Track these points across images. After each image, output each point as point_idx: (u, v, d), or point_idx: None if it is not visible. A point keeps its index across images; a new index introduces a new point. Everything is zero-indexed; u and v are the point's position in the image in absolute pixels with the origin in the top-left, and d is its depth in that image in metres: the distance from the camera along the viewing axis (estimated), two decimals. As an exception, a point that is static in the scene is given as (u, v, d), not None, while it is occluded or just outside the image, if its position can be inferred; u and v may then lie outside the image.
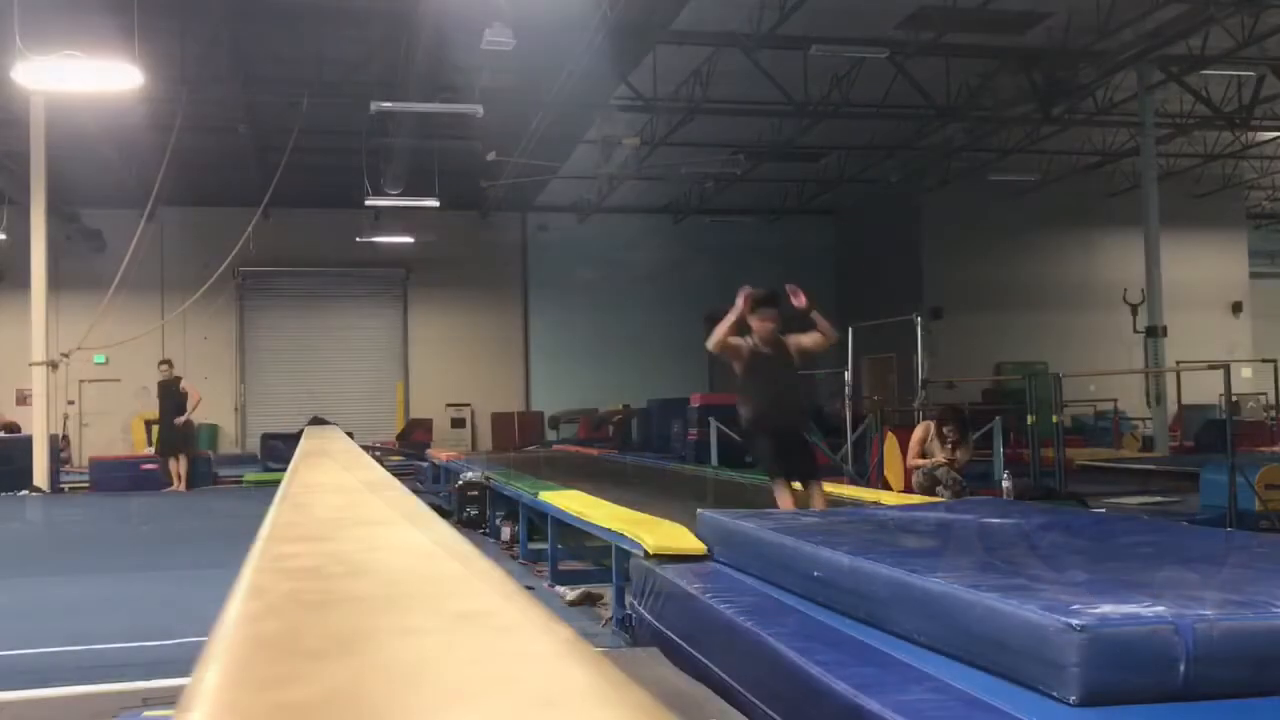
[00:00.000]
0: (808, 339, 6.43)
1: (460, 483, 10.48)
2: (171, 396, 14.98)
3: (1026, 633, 2.93)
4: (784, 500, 6.32)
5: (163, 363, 15.50)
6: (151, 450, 16.27)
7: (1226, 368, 8.53)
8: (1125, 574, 3.61)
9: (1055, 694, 2.81)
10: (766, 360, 6.31)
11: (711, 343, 6.33)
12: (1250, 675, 2.84)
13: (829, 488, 8.15)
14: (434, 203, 18.33)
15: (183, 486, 14.75)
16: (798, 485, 6.45)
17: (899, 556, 4.01)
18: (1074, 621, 2.82)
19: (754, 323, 6.25)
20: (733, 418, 15.59)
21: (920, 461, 8.94)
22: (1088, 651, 2.77)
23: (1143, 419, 18.69)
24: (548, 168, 18.03)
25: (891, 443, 11.16)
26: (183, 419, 15.07)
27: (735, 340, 6.30)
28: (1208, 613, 2.91)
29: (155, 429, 15.87)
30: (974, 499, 7.06)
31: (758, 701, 3.63)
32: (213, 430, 22.01)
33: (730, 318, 6.25)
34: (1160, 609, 2.94)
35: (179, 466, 14.87)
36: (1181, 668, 2.79)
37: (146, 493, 14.59)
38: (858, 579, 3.88)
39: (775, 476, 6.43)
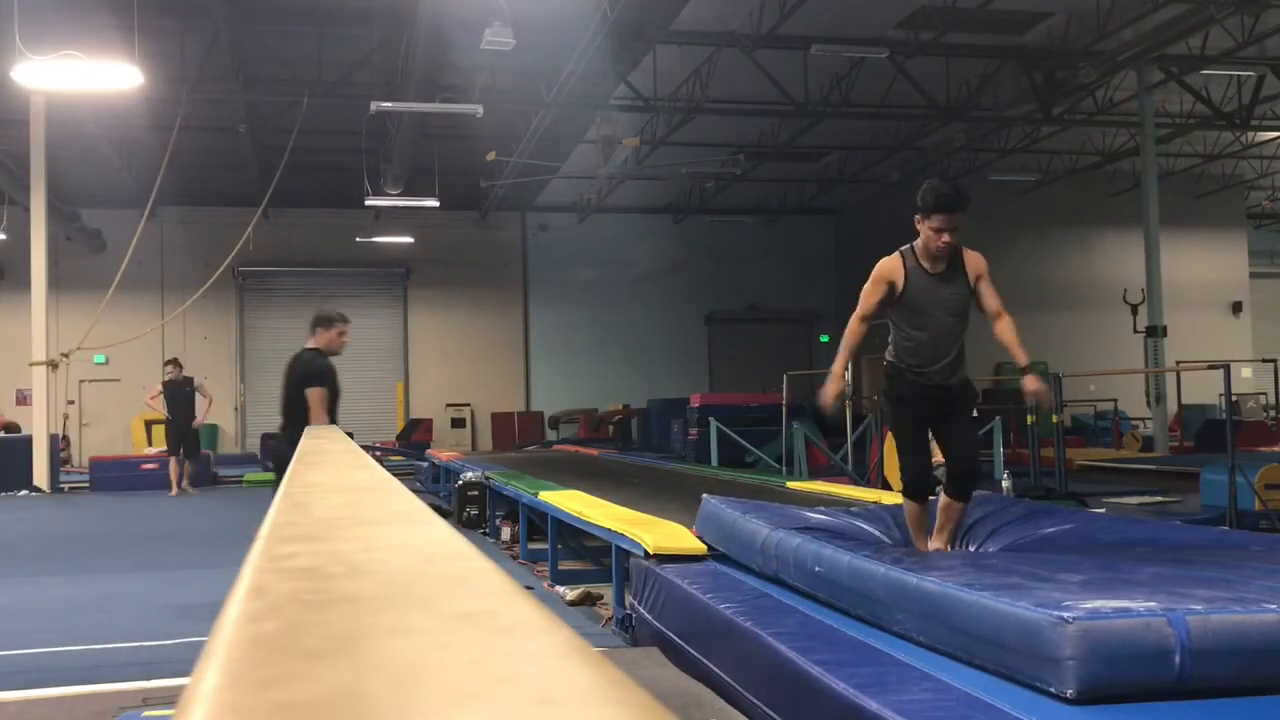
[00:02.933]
0: (995, 299, 4.67)
1: (460, 483, 10.48)
2: (184, 398, 14.43)
3: (1021, 628, 2.94)
4: (918, 532, 4.73)
5: (169, 362, 14.84)
6: (164, 451, 16.14)
7: (1226, 368, 8.53)
8: (1120, 571, 3.61)
9: (1052, 689, 2.82)
10: (934, 285, 4.56)
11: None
12: (1244, 670, 2.85)
13: (831, 488, 8.15)
14: (434, 203, 18.35)
15: (189, 488, 14.45)
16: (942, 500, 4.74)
17: (895, 556, 4.02)
18: (1067, 615, 2.83)
19: (925, 228, 4.46)
20: (733, 417, 15.73)
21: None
22: (1081, 645, 2.78)
23: (1143, 419, 18.70)
24: (548, 168, 18.04)
25: (891, 443, 11.15)
26: (199, 421, 14.92)
27: (881, 281, 4.56)
28: (1201, 608, 2.91)
29: (162, 430, 15.59)
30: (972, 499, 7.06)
31: (758, 701, 3.63)
32: (213, 430, 22.01)
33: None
34: (1153, 604, 2.95)
35: (181, 469, 14.49)
36: (1176, 661, 2.80)
37: (146, 493, 14.60)
38: (855, 578, 3.88)
39: (914, 489, 4.68)
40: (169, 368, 14.68)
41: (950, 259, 4.57)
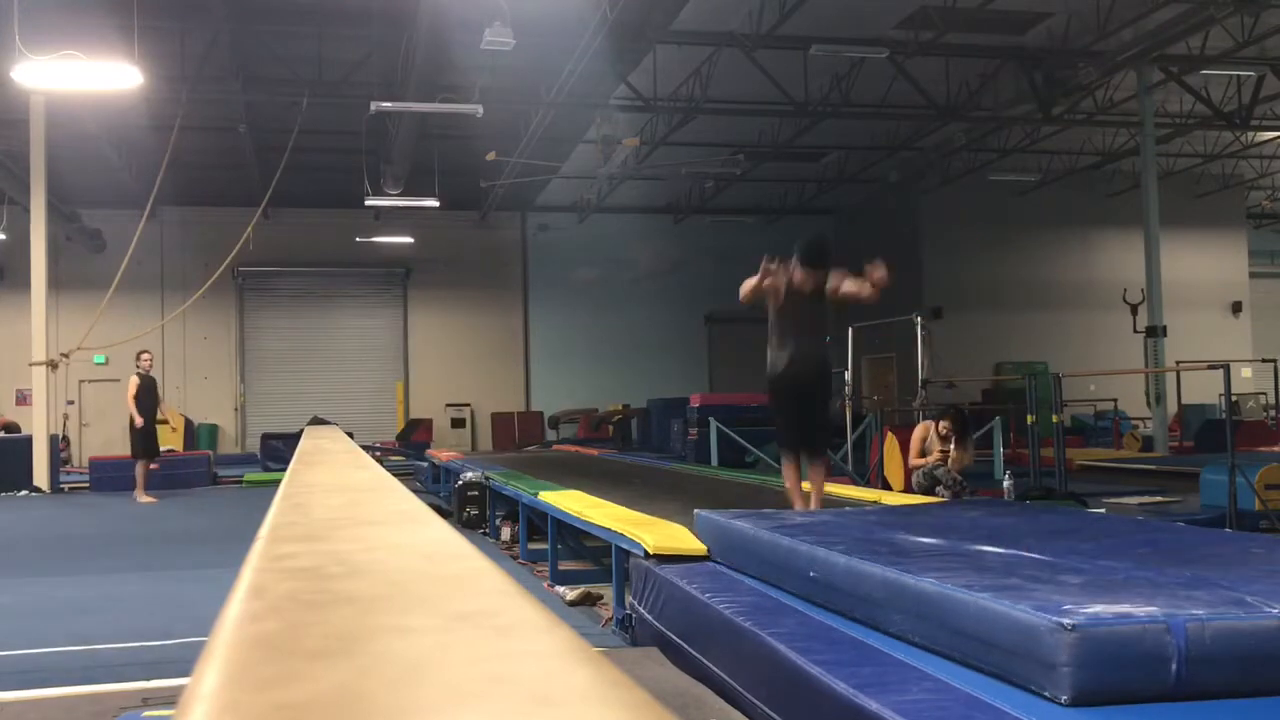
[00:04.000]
0: (852, 284, 5.89)
1: (460, 483, 10.48)
2: (153, 394, 13.27)
3: (1019, 632, 2.94)
4: (791, 482, 6.08)
5: (144, 353, 13.46)
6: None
7: (1226, 368, 8.52)
8: (1119, 574, 3.61)
9: (1047, 693, 2.82)
10: (802, 301, 5.95)
11: (742, 295, 6.05)
12: (1242, 675, 2.84)
13: (830, 488, 8.14)
14: (434, 203, 18.35)
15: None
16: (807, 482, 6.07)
17: (894, 557, 4.02)
18: (1065, 621, 2.83)
19: (796, 275, 5.91)
20: (733, 417, 15.72)
21: (920, 461, 8.94)
22: (1079, 651, 2.77)
23: (1143, 419, 18.70)
24: (548, 168, 18.04)
25: (891, 443, 11.16)
26: (166, 417, 14.11)
27: (771, 281, 5.92)
28: (1200, 612, 2.91)
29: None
30: (973, 499, 7.06)
31: (758, 701, 3.63)
32: (213, 430, 22.03)
33: (753, 280, 5.93)
34: (1152, 609, 2.94)
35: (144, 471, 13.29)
36: (1173, 667, 2.79)
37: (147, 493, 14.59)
38: (854, 579, 3.88)
39: (786, 451, 6.14)
40: (145, 358, 13.35)
41: (813, 287, 5.95)
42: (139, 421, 12.96)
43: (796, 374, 6.00)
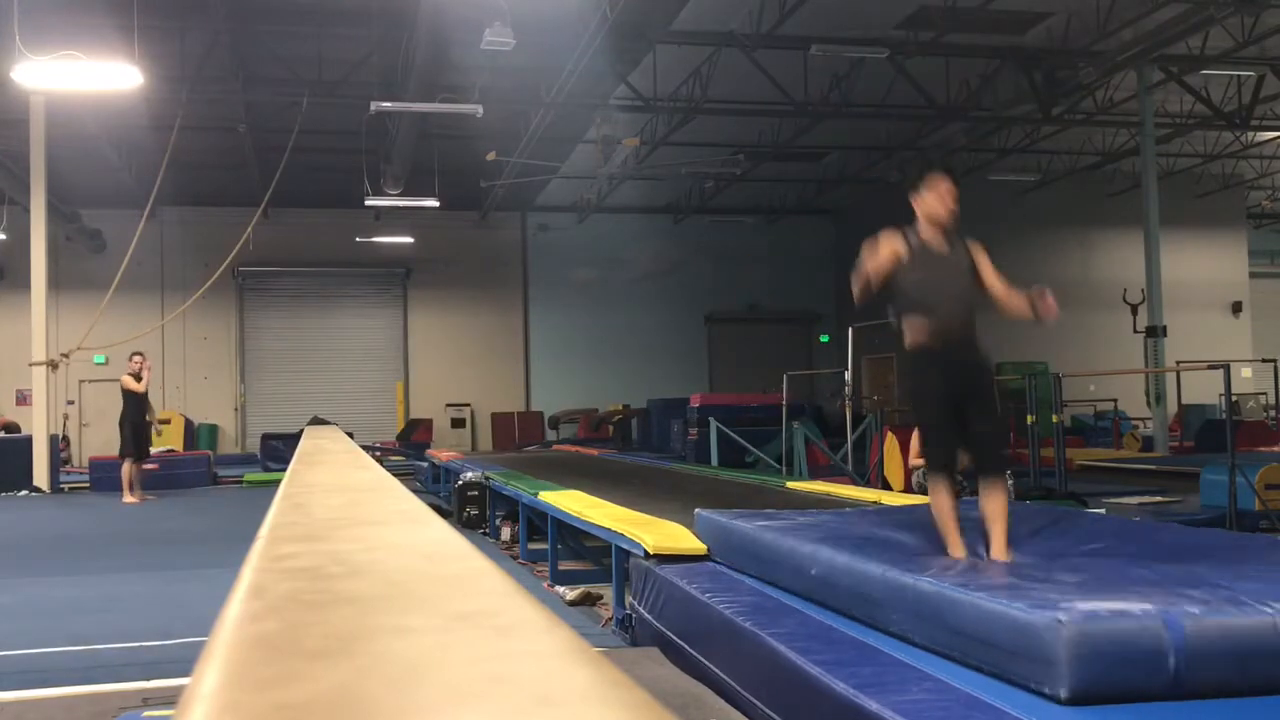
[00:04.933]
0: (1001, 284, 4.56)
1: (460, 483, 10.48)
2: (143, 394, 13.12)
3: (1015, 630, 2.95)
4: (945, 513, 4.35)
5: (136, 354, 13.27)
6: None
7: (1226, 368, 8.52)
8: (1116, 573, 3.61)
9: (1046, 690, 2.82)
10: (939, 260, 4.44)
11: (857, 291, 4.47)
12: (1239, 672, 2.85)
13: (831, 488, 8.14)
14: (434, 203, 18.35)
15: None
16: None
17: (893, 557, 4.02)
18: (1061, 617, 2.83)
19: (926, 201, 4.44)
20: (733, 418, 15.71)
21: (920, 462, 8.94)
22: (1076, 647, 2.78)
23: (1143, 419, 18.70)
24: (548, 168, 18.04)
25: (891, 443, 11.16)
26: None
27: (889, 251, 4.43)
28: (1195, 610, 2.91)
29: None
30: (972, 500, 7.06)
31: (758, 701, 3.63)
32: (213, 430, 22.04)
33: (869, 263, 4.44)
34: (1148, 606, 2.95)
35: (134, 472, 13.18)
36: (1171, 664, 2.80)
37: (146, 493, 14.60)
38: (853, 578, 3.89)
39: (938, 470, 4.39)
40: (136, 358, 13.15)
41: (950, 237, 4.51)
42: (141, 387, 12.89)
43: (950, 357, 4.38)
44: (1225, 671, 2.84)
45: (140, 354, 13.33)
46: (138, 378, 13.01)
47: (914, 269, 4.42)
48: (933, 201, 4.44)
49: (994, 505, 4.26)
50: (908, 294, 4.47)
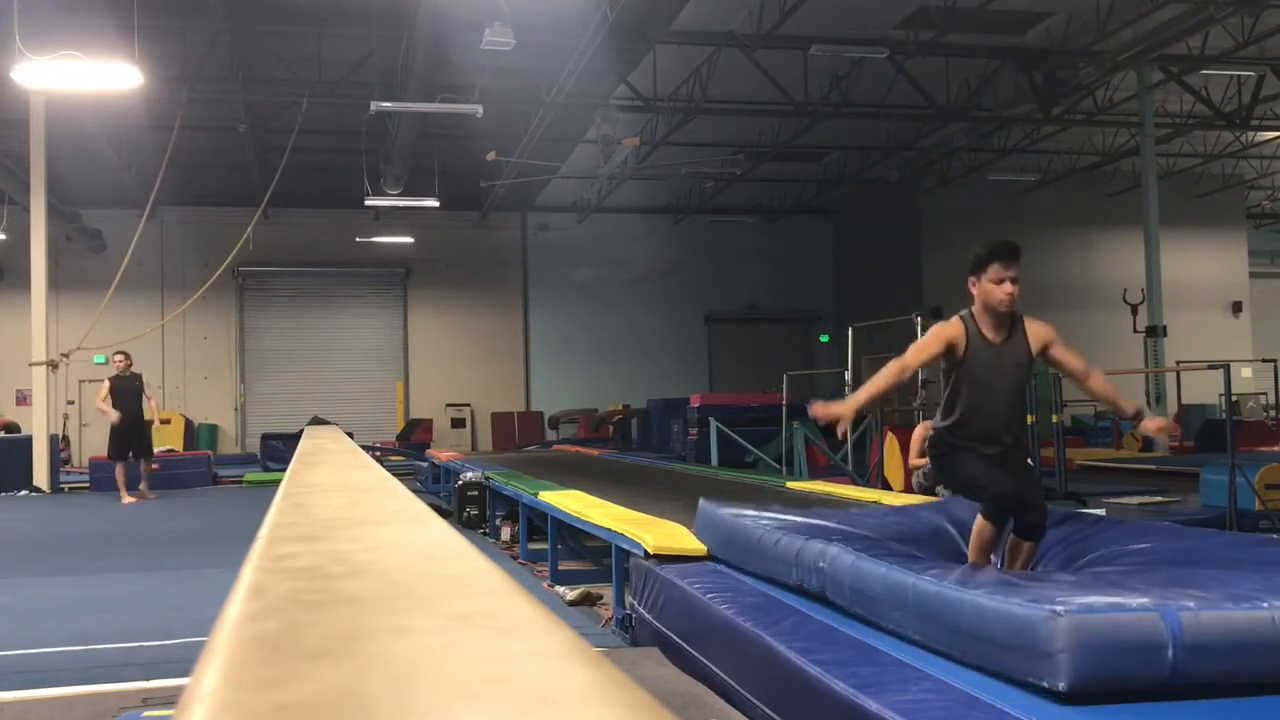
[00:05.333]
0: (1077, 359, 4.48)
1: (460, 483, 10.48)
2: (134, 394, 13.09)
3: (1015, 625, 2.95)
4: (983, 546, 4.30)
5: (119, 353, 13.23)
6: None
7: (1226, 368, 8.53)
8: (1116, 571, 3.62)
9: (1044, 683, 2.83)
10: (995, 355, 4.20)
11: (907, 364, 4.23)
12: (1237, 665, 2.86)
13: (831, 488, 8.15)
14: (434, 203, 18.35)
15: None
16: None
17: (894, 556, 4.02)
18: (1058, 609, 2.85)
19: (984, 283, 4.14)
20: (733, 417, 15.72)
21: (920, 461, 8.93)
22: (1073, 638, 2.79)
23: (1143, 419, 18.69)
24: (548, 168, 18.04)
25: (891, 443, 11.16)
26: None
27: (939, 340, 4.21)
28: (1193, 604, 2.93)
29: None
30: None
31: (758, 701, 3.63)
32: (213, 430, 22.04)
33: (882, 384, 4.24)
34: (1146, 600, 2.96)
35: (135, 473, 13.27)
36: (1169, 656, 2.81)
37: (150, 491, 14.60)
38: (854, 578, 3.89)
39: (995, 518, 4.19)
40: (119, 358, 13.09)
41: (1011, 326, 4.23)
42: (114, 416, 12.78)
43: (1002, 459, 4.24)
44: (1224, 666, 2.85)
45: (121, 353, 13.25)
46: (117, 379, 12.98)
47: (969, 365, 4.19)
48: (987, 288, 4.12)
49: (1024, 550, 4.27)
50: (959, 392, 4.24)
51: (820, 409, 4.23)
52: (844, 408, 4.22)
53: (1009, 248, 4.14)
